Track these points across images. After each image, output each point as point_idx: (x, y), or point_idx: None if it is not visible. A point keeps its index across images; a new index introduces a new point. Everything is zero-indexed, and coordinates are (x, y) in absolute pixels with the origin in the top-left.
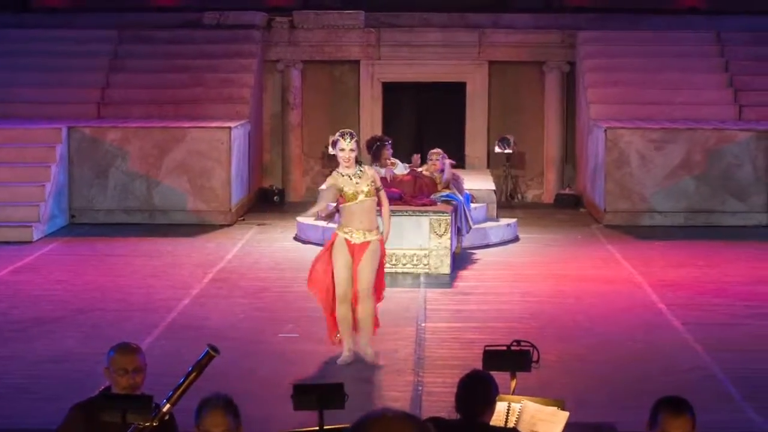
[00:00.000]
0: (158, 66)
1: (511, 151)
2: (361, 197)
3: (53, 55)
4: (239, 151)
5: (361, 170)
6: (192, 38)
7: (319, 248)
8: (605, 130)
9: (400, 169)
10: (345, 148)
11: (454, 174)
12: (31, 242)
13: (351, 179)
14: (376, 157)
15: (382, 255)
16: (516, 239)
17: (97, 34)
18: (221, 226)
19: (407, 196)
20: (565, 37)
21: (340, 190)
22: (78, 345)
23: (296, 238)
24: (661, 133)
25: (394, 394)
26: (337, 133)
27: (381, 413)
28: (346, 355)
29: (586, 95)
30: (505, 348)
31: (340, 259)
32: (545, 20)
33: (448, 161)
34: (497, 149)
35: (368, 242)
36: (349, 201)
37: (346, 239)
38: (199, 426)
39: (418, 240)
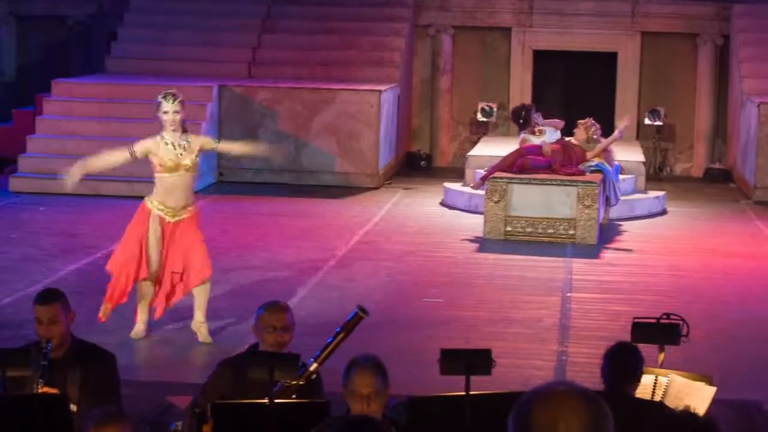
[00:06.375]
0: (310, 28)
1: (661, 123)
2: (182, 171)
3: (206, 14)
4: (388, 114)
5: (188, 140)
6: (344, 1)
7: (465, 214)
8: (758, 105)
9: (549, 136)
10: (168, 110)
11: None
12: None
13: (175, 148)
14: (526, 125)
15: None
16: (664, 212)
17: None
18: (368, 189)
19: (556, 165)
20: (719, 9)
21: (156, 157)
22: (225, 303)
23: (443, 204)
24: None
25: (538, 363)
26: (159, 95)
27: (548, 389)
28: (141, 327)
29: (739, 69)
30: (654, 321)
31: (153, 236)
32: None
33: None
34: (647, 121)
35: (182, 219)
36: (167, 172)
37: (160, 216)
38: (347, 385)
39: (566, 210)
